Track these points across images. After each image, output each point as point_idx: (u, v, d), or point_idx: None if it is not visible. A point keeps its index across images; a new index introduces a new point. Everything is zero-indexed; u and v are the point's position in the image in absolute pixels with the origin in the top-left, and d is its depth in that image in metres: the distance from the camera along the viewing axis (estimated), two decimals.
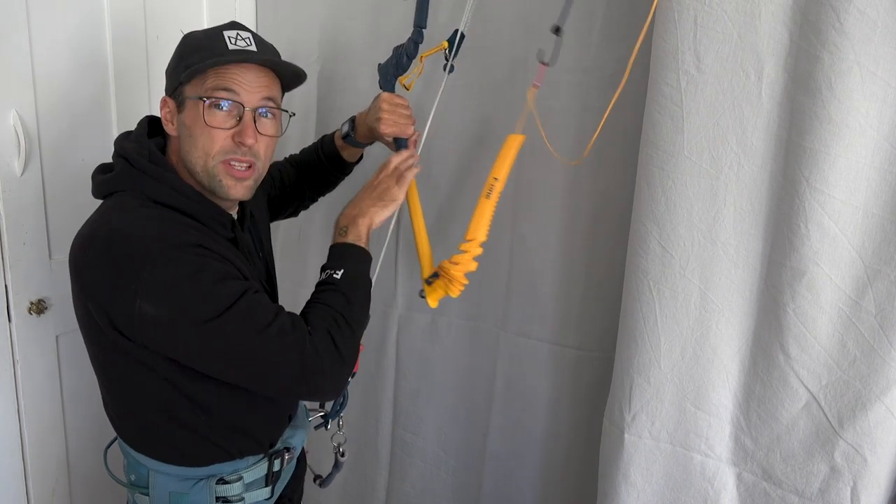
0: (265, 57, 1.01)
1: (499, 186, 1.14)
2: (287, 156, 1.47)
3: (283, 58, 1.07)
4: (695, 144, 1.01)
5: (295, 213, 1.48)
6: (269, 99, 1.02)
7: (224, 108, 0.98)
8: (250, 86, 0.99)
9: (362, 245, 1.09)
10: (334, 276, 1.03)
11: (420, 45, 1.28)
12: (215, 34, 1.01)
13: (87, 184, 1.04)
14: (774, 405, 1.04)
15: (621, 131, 1.24)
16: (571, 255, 1.37)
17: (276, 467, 1.10)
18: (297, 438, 1.16)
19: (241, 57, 0.99)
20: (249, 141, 0.99)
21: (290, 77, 1.07)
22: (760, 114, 0.97)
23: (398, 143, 1.27)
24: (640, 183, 1.08)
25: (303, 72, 1.07)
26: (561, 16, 1.03)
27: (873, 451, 0.98)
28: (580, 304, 1.38)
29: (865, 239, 0.94)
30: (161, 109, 1.03)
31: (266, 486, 1.09)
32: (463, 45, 1.26)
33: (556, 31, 1.04)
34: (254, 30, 1.77)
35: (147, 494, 1.05)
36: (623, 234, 1.17)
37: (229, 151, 1.00)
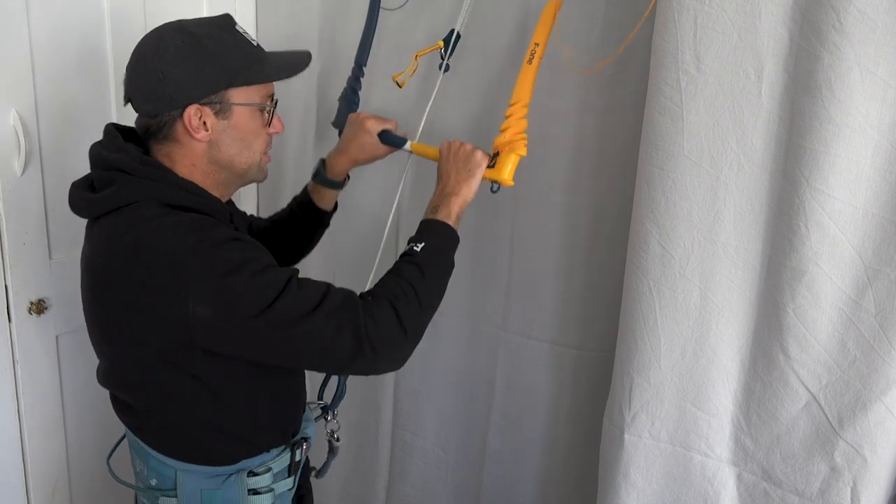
0: (306, 65, 1.08)
1: (540, 51, 1.13)
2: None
3: None
4: (695, 144, 1.01)
5: None
6: None
7: (276, 112, 1.06)
8: None
9: (450, 223, 1.09)
10: (414, 248, 1.04)
11: (362, 80, 1.34)
12: (228, 29, 1.01)
13: None
14: (774, 405, 1.04)
15: (621, 131, 1.24)
16: (571, 254, 1.37)
17: (298, 457, 1.13)
18: (311, 429, 1.18)
19: (298, 70, 1.06)
20: (283, 130, 1.09)
21: None
22: (760, 114, 0.97)
23: (389, 140, 1.26)
24: (640, 183, 1.08)
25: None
26: None
27: (873, 451, 0.98)
28: (580, 304, 1.38)
29: (865, 239, 0.94)
30: (190, 117, 0.97)
31: (289, 476, 1.12)
32: (459, 44, 1.27)
33: None
34: (253, 30, 1.78)
35: (174, 496, 1.04)
36: (623, 233, 1.17)
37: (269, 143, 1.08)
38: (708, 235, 1.04)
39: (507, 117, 1.15)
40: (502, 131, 1.15)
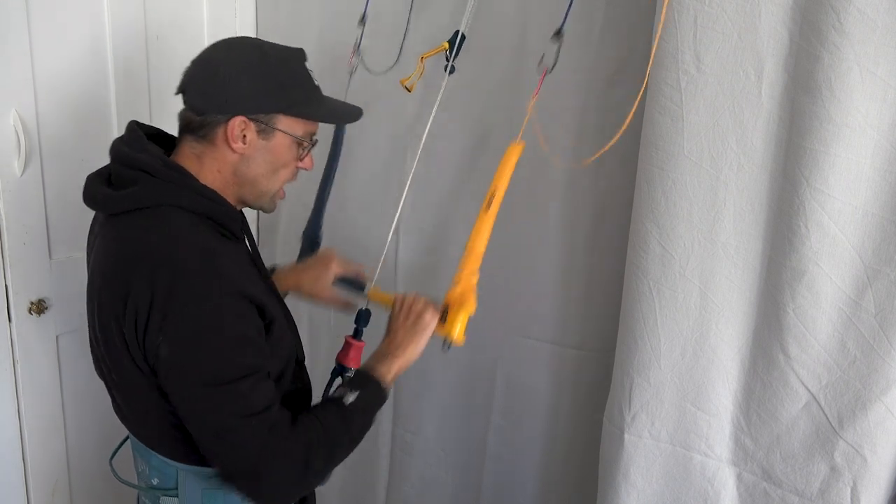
0: (356, 119, 1.11)
1: (498, 197, 1.11)
2: None
3: None
4: (695, 144, 1.01)
5: None
6: None
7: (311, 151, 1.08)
8: None
9: (386, 382, 1.08)
10: (346, 397, 1.03)
11: (322, 220, 1.36)
12: (298, 61, 1.03)
13: None
14: (774, 405, 1.04)
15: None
16: (571, 254, 1.37)
17: None
18: None
19: (348, 121, 1.10)
20: (311, 168, 1.10)
21: None
22: (760, 114, 0.97)
23: (348, 285, 1.23)
24: (640, 183, 1.08)
25: None
26: (563, 20, 1.05)
27: (873, 451, 0.98)
28: (580, 304, 1.38)
29: (865, 239, 0.94)
30: (234, 127, 0.99)
31: None
32: (464, 46, 1.26)
33: (558, 33, 1.06)
34: (254, 31, 1.78)
35: (175, 496, 1.05)
36: (623, 234, 1.17)
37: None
38: (708, 235, 1.04)
39: (460, 269, 1.13)
40: (455, 283, 1.12)
